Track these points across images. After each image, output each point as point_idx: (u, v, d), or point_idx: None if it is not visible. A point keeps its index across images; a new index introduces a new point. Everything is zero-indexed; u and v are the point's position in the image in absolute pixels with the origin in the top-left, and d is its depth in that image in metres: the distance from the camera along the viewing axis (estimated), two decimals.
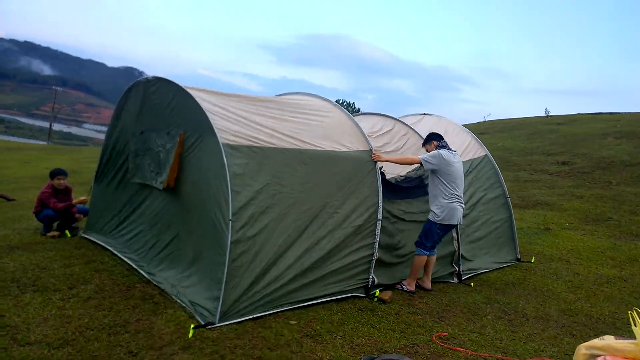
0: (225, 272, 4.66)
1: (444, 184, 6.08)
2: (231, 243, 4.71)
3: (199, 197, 5.35)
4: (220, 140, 4.98)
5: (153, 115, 6.28)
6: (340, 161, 5.86)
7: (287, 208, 5.25)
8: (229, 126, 5.22)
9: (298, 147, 5.58)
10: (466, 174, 7.45)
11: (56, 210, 7.46)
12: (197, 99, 5.37)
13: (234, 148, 5.05)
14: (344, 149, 6.00)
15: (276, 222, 5.13)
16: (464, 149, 7.79)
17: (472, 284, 6.68)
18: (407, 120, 7.80)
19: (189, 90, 5.54)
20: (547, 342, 5.04)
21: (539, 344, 4.97)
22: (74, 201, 7.67)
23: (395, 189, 6.42)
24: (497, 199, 7.99)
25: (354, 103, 48.96)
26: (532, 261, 8.06)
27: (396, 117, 7.79)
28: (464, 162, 7.45)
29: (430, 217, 6.15)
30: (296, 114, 6.22)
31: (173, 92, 5.86)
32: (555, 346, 4.95)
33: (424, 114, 8.79)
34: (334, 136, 6.09)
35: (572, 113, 29.12)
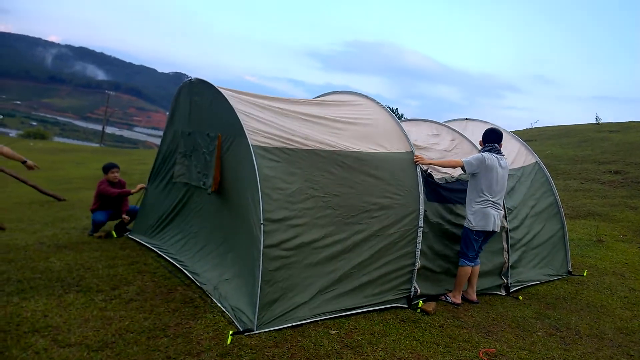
0: (260, 277, 4.59)
1: (480, 188, 5.83)
2: (264, 247, 4.64)
3: (236, 200, 5.33)
4: (251, 142, 4.93)
5: (197, 116, 6.35)
6: (379, 163, 5.69)
7: (322, 212, 5.15)
8: (260, 128, 5.16)
9: (333, 149, 5.44)
10: (517, 182, 7.20)
11: (112, 197, 7.67)
12: (231, 101, 5.35)
13: (265, 150, 4.99)
14: (383, 151, 5.84)
15: (310, 226, 5.03)
16: (514, 156, 7.52)
17: (521, 297, 6.40)
18: (452, 126, 7.62)
19: (223, 92, 5.54)
20: None
21: None
22: (132, 190, 7.81)
23: (447, 192, 6.20)
24: (549, 209, 7.67)
25: (397, 109, 49.04)
26: (585, 275, 7.69)
27: (443, 123, 7.64)
28: (514, 170, 7.17)
29: (465, 224, 5.93)
30: (335, 114, 6.12)
31: (211, 93, 5.89)
32: None
33: (467, 118, 8.56)
34: (374, 137, 5.94)
35: (625, 120, 27.95)
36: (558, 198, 7.83)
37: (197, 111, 6.35)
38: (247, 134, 4.99)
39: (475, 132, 7.40)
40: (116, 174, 7.88)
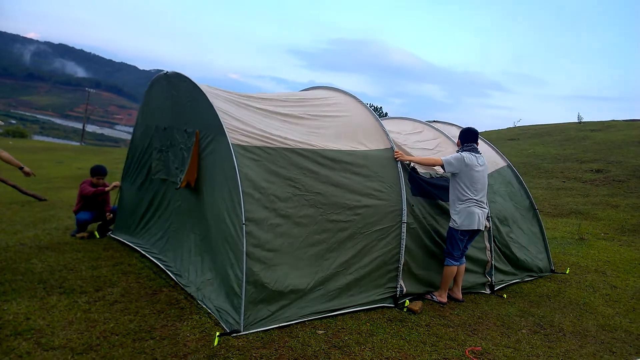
0: (244, 278, 4.55)
1: (462, 187, 5.87)
2: (247, 248, 4.60)
3: (215, 199, 5.22)
4: (230, 141, 4.87)
5: (174, 111, 6.24)
6: (360, 161, 5.69)
7: (305, 211, 5.12)
8: (240, 126, 5.10)
9: (313, 147, 5.44)
10: (497, 186, 7.24)
11: (91, 197, 7.54)
12: (210, 97, 5.27)
13: (245, 149, 4.94)
14: (363, 148, 5.85)
15: (294, 225, 5.00)
16: (487, 160, 7.53)
17: (505, 296, 6.45)
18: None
19: (202, 88, 5.45)
20: (585, 359, 4.81)
21: None
22: (107, 188, 7.68)
23: (432, 187, 6.21)
24: (527, 210, 7.71)
25: (381, 107, 49.28)
26: (567, 272, 7.78)
27: (424, 121, 7.62)
28: (492, 174, 7.19)
29: (450, 223, 5.95)
30: (314, 112, 6.12)
31: (189, 89, 5.80)
32: None
33: (434, 121, 8.51)
34: (353, 134, 5.95)
35: (606, 119, 28.38)
36: (532, 200, 7.88)
37: (174, 106, 6.22)
38: (226, 133, 4.92)
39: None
40: (100, 181, 7.71)
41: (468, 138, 6.12)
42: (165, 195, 6.42)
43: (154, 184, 6.70)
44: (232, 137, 4.92)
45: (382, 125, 6.23)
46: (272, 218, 4.87)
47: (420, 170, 6.24)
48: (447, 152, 6.81)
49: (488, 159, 7.61)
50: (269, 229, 4.82)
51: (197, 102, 5.61)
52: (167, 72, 6.35)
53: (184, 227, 5.95)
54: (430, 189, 6.21)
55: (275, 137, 5.22)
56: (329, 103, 6.55)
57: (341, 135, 5.85)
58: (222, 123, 4.99)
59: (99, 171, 7.72)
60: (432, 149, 6.92)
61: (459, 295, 6.09)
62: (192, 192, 5.74)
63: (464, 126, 6.58)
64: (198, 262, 5.47)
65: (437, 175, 6.42)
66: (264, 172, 4.96)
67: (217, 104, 5.24)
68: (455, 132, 7.38)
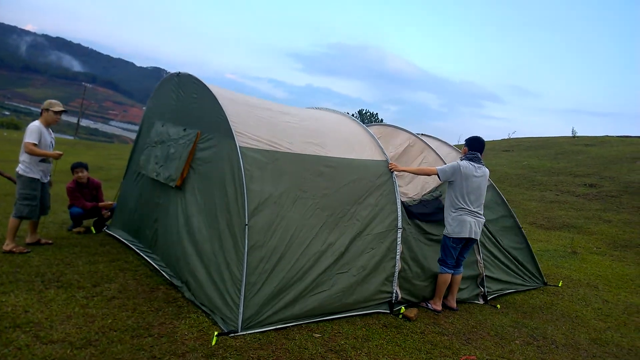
0: (244, 279, 4.56)
1: (456, 196, 5.93)
2: (249, 249, 4.62)
3: (214, 200, 5.20)
4: (238, 144, 4.93)
5: (177, 110, 6.31)
6: (358, 169, 5.82)
7: (309, 214, 5.18)
8: (248, 130, 5.18)
9: (317, 154, 5.57)
10: None
11: (84, 209, 7.50)
12: (220, 99, 5.34)
13: (252, 151, 5.00)
14: (361, 157, 5.98)
15: (296, 228, 5.03)
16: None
17: (499, 306, 6.50)
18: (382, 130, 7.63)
19: (213, 91, 5.51)
20: None
21: None
22: (100, 204, 7.70)
23: (416, 211, 6.24)
24: (507, 220, 7.60)
25: (377, 114, 49.53)
26: (560, 285, 7.85)
27: (410, 131, 7.57)
28: None
29: (444, 231, 6.03)
30: (314, 123, 6.24)
31: (198, 90, 5.87)
32: None
33: (423, 134, 8.38)
34: (351, 145, 6.09)
35: (599, 134, 28.62)
36: (513, 212, 7.77)
37: (178, 105, 6.30)
38: (234, 135, 4.99)
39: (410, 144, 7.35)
40: (80, 174, 7.60)
41: (474, 146, 6.15)
42: (158, 195, 6.35)
43: (145, 182, 6.70)
44: (241, 141, 4.98)
45: (376, 140, 6.40)
46: (275, 220, 4.90)
47: (404, 199, 6.23)
48: (428, 163, 6.91)
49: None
50: (272, 230, 4.85)
51: (203, 103, 5.67)
52: (179, 72, 6.42)
53: (178, 228, 5.78)
54: (416, 212, 6.23)
55: (281, 143, 5.31)
56: (326, 117, 6.76)
57: (340, 144, 5.99)
58: (232, 126, 5.05)
59: (78, 164, 7.69)
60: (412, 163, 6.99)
61: (454, 304, 6.13)
62: (187, 193, 5.71)
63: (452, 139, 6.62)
64: (194, 264, 5.36)
65: (415, 202, 6.33)
66: (271, 174, 5.03)
67: (226, 107, 5.29)
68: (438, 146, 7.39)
